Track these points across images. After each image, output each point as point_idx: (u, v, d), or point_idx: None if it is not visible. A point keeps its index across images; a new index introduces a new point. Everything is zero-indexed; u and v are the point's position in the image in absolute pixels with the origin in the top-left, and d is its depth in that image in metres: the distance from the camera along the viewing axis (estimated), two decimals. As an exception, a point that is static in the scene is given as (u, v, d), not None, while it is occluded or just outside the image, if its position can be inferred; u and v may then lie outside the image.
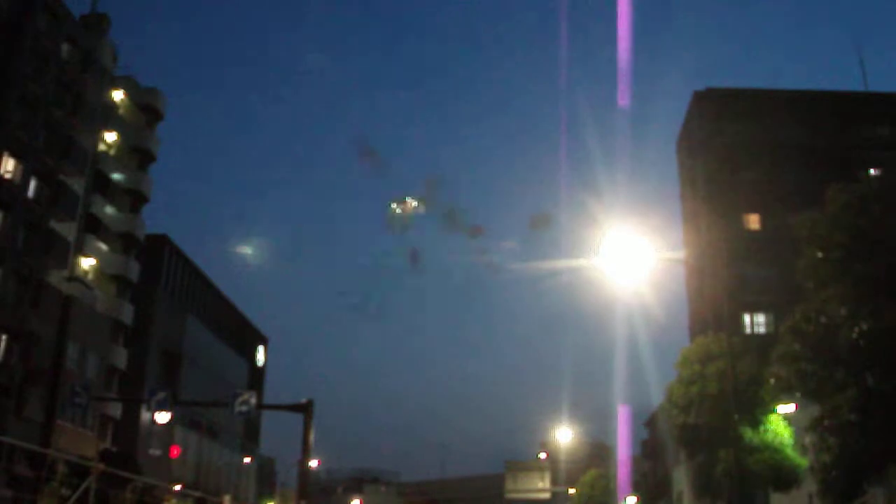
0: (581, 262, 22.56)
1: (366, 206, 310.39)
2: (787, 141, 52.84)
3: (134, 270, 58.53)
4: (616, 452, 72.32)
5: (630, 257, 20.55)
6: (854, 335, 21.26)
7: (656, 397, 56.46)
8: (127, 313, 57.42)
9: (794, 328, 23.49)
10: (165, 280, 66.35)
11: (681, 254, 29.82)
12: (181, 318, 68.70)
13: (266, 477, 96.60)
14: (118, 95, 58.51)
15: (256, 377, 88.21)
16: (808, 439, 26.67)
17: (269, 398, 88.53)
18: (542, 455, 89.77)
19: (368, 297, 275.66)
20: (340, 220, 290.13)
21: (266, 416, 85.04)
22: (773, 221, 49.61)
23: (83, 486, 22.72)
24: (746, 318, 49.60)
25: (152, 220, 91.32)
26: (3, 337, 43.07)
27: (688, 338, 53.93)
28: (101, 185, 55.55)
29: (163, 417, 30.46)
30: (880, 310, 21.17)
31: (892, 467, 22.57)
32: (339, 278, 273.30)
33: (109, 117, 56.61)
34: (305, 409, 27.36)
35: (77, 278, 51.56)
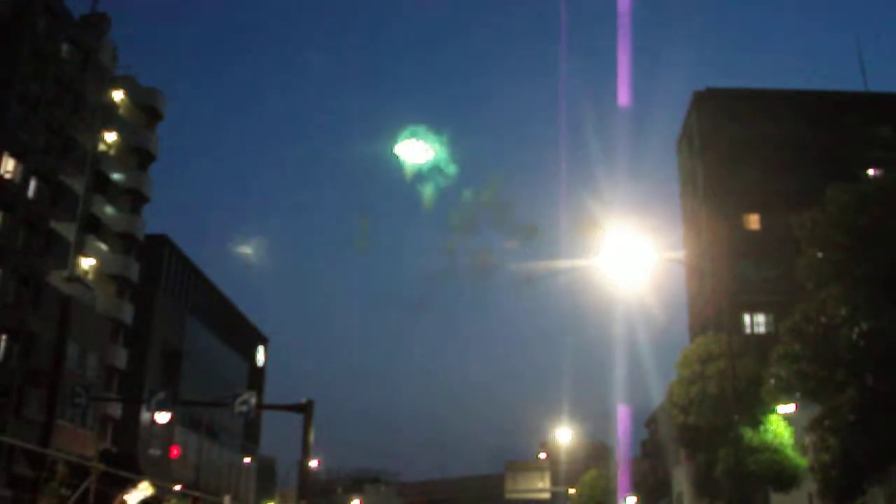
0: (581, 262, 22.57)
1: (364, 205, 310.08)
2: (788, 141, 52.78)
3: (134, 270, 58.48)
4: (616, 452, 72.28)
5: (630, 257, 20.57)
6: (854, 335, 21.23)
7: (656, 397, 56.56)
8: (127, 313, 57.37)
9: (794, 328, 23.48)
10: (165, 280, 66.31)
11: (681, 254, 29.86)
12: (181, 318, 68.67)
13: (266, 477, 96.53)
14: (118, 95, 58.49)
15: (256, 377, 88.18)
16: (808, 439, 26.68)
17: (269, 398, 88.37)
18: (542, 455, 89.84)
19: (368, 297, 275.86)
20: (340, 220, 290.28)
21: (266, 416, 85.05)
22: (773, 221, 49.55)
23: (83, 486, 22.77)
24: (746, 318, 49.53)
25: (152, 220, 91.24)
26: (3, 337, 43.02)
27: (688, 338, 53.90)
28: (101, 185, 55.54)
29: (163, 417, 30.49)
30: (880, 310, 21.16)
31: (892, 467, 22.57)
32: (339, 278, 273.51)
33: (109, 117, 56.60)
34: (305, 410, 27.30)
35: (77, 278, 51.58)
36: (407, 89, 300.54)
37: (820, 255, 23.18)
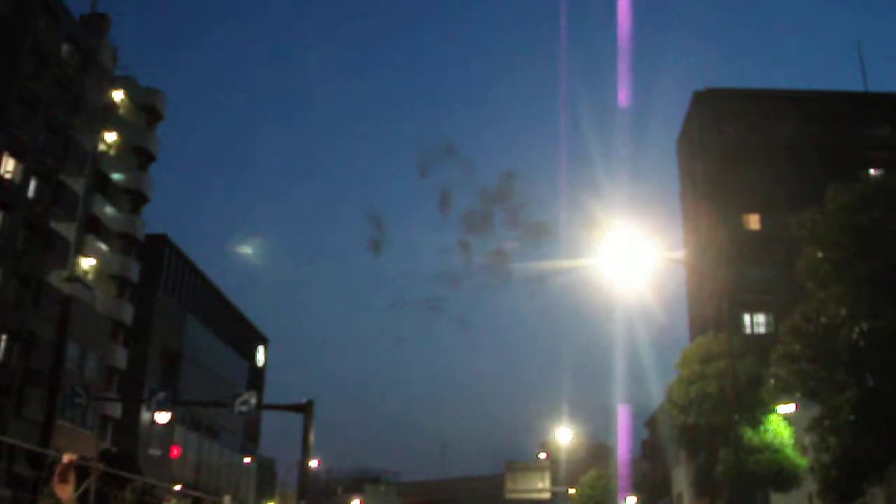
0: (582, 262, 22.56)
1: (362, 205, 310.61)
2: (788, 141, 52.81)
3: (134, 270, 58.47)
4: (616, 452, 72.25)
5: (630, 257, 20.56)
6: (854, 335, 21.22)
7: (656, 397, 56.49)
8: (127, 313, 57.36)
9: (794, 328, 23.47)
10: (165, 280, 66.30)
11: (681, 254, 29.82)
12: (181, 318, 68.66)
13: (266, 477, 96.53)
14: (118, 95, 58.48)
15: (256, 377, 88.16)
16: (808, 439, 26.65)
17: (269, 398, 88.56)
18: (542, 455, 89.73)
19: (368, 297, 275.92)
20: (341, 220, 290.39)
21: (266, 416, 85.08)
22: (773, 221, 49.59)
23: (83, 486, 22.70)
24: (746, 318, 49.55)
25: (152, 220, 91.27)
26: (3, 337, 43.01)
27: (688, 338, 53.90)
28: (101, 185, 55.53)
29: (163, 417, 30.43)
30: (880, 310, 21.15)
31: (892, 467, 22.55)
32: (339, 278, 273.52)
33: (109, 117, 56.57)
34: (305, 410, 27.30)
35: (77, 278, 51.54)
36: (412, 89, 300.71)
37: (820, 255, 23.16)
